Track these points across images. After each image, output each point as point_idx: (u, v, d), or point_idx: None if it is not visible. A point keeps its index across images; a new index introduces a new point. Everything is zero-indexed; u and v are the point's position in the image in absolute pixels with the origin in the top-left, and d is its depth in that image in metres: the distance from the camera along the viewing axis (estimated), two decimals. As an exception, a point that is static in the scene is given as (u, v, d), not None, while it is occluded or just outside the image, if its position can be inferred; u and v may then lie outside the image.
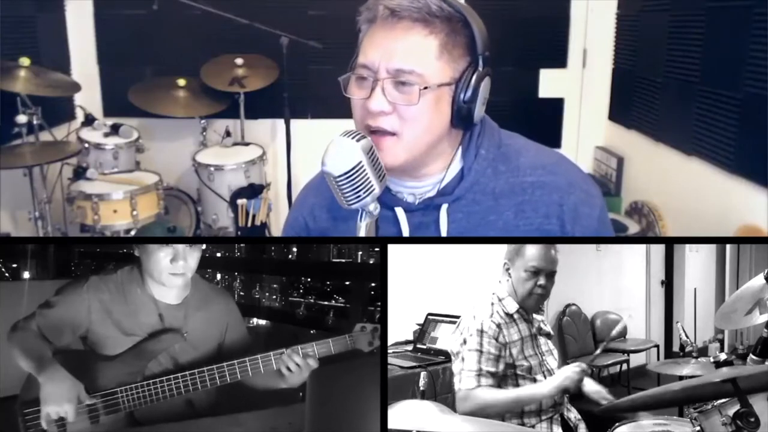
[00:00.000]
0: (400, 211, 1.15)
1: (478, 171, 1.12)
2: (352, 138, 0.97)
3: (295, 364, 1.33)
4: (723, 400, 1.09)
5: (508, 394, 1.26)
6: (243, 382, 1.37)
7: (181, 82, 3.34)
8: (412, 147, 1.06)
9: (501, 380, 1.28)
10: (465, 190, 1.12)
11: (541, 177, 1.12)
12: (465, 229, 1.12)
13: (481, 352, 1.27)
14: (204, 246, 1.43)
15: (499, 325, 1.30)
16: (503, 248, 1.36)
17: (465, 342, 1.29)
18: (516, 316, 1.34)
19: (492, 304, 1.33)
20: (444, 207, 1.12)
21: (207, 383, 1.34)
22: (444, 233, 1.12)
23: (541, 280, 1.32)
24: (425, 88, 1.02)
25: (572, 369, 1.27)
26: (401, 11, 1.02)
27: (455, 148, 1.14)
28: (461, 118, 1.07)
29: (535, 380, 1.32)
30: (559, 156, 1.19)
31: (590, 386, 1.41)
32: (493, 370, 1.27)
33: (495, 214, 1.11)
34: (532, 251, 1.30)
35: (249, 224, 3.20)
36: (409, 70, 1.02)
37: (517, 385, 1.30)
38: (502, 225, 1.11)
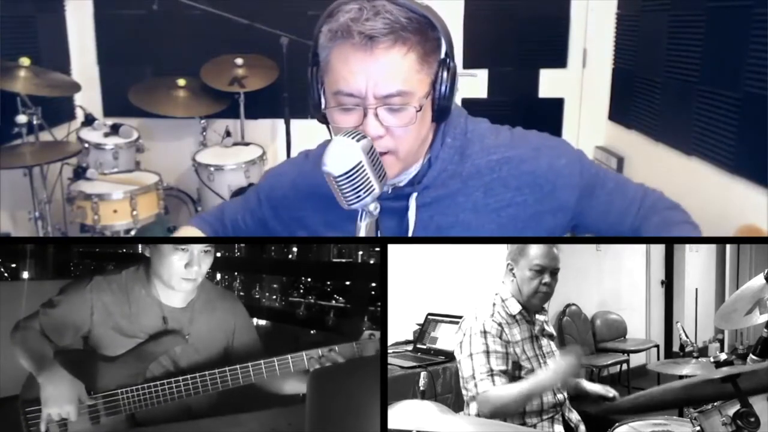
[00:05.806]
0: None
1: (445, 159, 1.14)
2: (353, 138, 0.97)
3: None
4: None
5: (519, 388, 1.25)
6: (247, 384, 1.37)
7: (181, 82, 3.34)
8: (407, 157, 1.08)
9: (511, 380, 1.28)
10: (433, 178, 1.14)
11: (505, 153, 1.14)
12: (435, 212, 1.14)
13: (488, 352, 1.27)
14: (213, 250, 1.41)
15: (500, 324, 1.30)
16: (503, 248, 1.37)
17: (470, 344, 1.29)
18: (518, 317, 1.34)
19: (494, 304, 1.33)
20: (413, 195, 1.14)
21: (209, 387, 1.34)
22: (412, 220, 1.14)
23: (546, 278, 1.32)
24: (420, 108, 1.02)
25: (565, 357, 1.27)
26: (378, 35, 0.99)
27: (433, 138, 1.15)
28: (441, 114, 1.08)
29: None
30: (521, 131, 1.21)
31: (591, 386, 1.41)
32: (503, 368, 1.27)
33: (463, 195, 1.14)
34: (535, 250, 1.31)
35: (249, 224, 3.20)
36: (398, 93, 1.01)
37: None
38: (472, 205, 1.14)
